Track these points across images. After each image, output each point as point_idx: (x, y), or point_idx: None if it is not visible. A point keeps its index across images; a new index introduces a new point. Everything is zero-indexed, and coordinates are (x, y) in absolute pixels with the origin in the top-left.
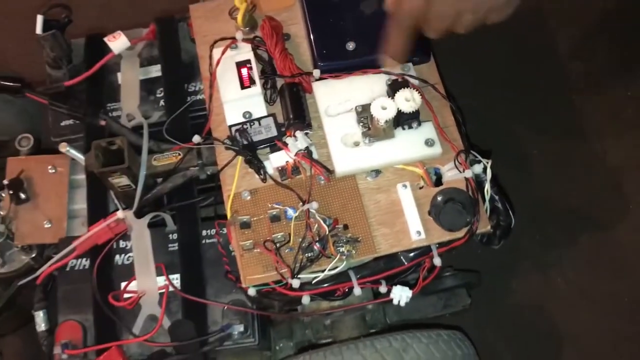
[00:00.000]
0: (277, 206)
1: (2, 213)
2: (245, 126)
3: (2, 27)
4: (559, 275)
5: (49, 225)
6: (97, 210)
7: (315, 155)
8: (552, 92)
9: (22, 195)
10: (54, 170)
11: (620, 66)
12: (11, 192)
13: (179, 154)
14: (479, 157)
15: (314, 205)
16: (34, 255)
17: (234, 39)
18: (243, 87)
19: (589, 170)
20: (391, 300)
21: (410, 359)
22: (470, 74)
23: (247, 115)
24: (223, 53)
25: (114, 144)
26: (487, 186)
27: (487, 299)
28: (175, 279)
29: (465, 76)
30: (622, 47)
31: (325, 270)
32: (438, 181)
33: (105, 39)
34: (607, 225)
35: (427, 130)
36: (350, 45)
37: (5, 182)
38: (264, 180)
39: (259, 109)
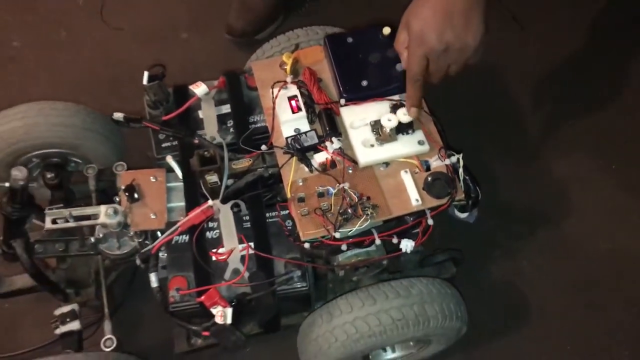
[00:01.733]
0: (321, 187)
1: (121, 209)
2: (296, 137)
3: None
4: (524, 259)
5: (154, 217)
6: (192, 201)
7: None
8: (510, 120)
9: (135, 196)
10: (154, 179)
11: (563, 101)
12: (127, 194)
13: (250, 160)
14: (454, 153)
15: (347, 184)
16: (140, 240)
17: (285, 82)
18: (293, 112)
19: (541, 180)
20: (399, 256)
21: (415, 291)
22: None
23: (296, 130)
24: (279, 91)
25: (208, 153)
26: (461, 170)
27: (467, 279)
28: (250, 245)
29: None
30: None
31: (357, 225)
32: (428, 169)
33: (190, 87)
34: (558, 220)
35: (419, 135)
36: (364, 83)
37: (122, 187)
38: (311, 171)
39: (304, 126)
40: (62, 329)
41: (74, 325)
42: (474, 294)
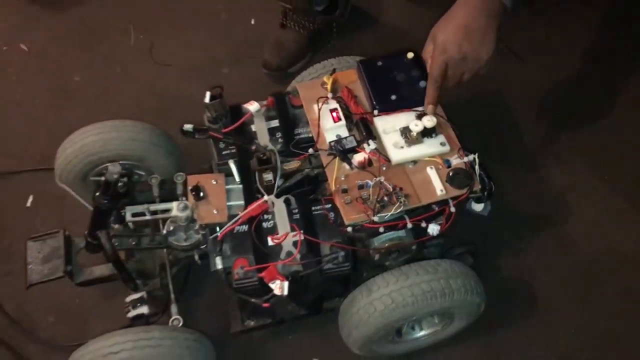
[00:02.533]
0: (361, 181)
1: (189, 204)
2: (338, 141)
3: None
4: (530, 256)
5: (216, 212)
6: (250, 197)
7: None
8: (513, 135)
9: (201, 194)
10: (215, 182)
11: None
12: (193, 193)
13: (298, 162)
14: (470, 152)
15: (382, 178)
16: (203, 233)
17: (327, 97)
18: (334, 122)
19: (543, 188)
20: (423, 247)
21: (441, 269)
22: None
23: (338, 136)
24: (322, 105)
25: (264, 155)
26: (477, 166)
27: (480, 273)
28: (301, 231)
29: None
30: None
31: (392, 210)
32: (449, 165)
33: (244, 105)
34: (559, 222)
35: (440, 137)
36: (393, 97)
37: (190, 187)
38: (351, 169)
39: (344, 133)
40: (133, 312)
41: (144, 309)
42: (486, 286)
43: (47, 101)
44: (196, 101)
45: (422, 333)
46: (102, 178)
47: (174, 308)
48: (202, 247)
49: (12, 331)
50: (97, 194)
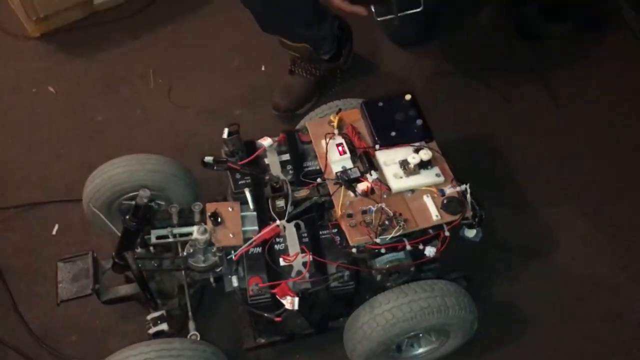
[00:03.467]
0: (364, 207)
1: (209, 228)
2: (344, 172)
3: None
4: (520, 283)
5: (232, 236)
6: (263, 219)
7: None
8: (503, 175)
9: (218, 220)
10: (231, 209)
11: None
12: (212, 218)
13: (307, 191)
14: (462, 183)
15: (383, 204)
16: (220, 255)
17: (333, 133)
18: (340, 155)
19: (531, 222)
20: (421, 270)
21: (438, 288)
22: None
23: (343, 168)
24: (329, 140)
25: (278, 184)
26: (468, 195)
27: (474, 299)
28: (310, 253)
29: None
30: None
31: (392, 233)
32: (443, 194)
33: (258, 140)
34: (547, 253)
35: (436, 169)
36: (393, 133)
37: (208, 214)
38: (356, 196)
39: (349, 164)
40: (154, 329)
41: (164, 326)
42: (479, 311)
43: (72, 139)
44: (211, 140)
45: (420, 350)
46: (133, 202)
47: (191, 324)
48: (218, 270)
49: (37, 349)
50: (127, 217)
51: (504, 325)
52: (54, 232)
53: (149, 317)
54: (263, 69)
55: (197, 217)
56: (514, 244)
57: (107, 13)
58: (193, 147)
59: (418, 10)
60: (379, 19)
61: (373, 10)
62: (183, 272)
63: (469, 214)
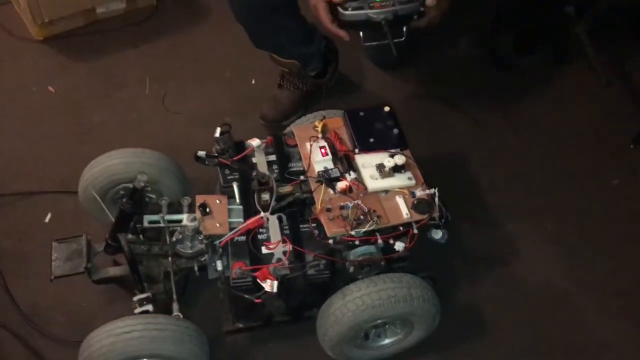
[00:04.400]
0: (342, 203)
1: (197, 217)
2: (325, 171)
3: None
4: (482, 288)
5: (219, 226)
6: (248, 213)
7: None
8: (471, 193)
9: (207, 210)
10: (219, 202)
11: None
12: (200, 208)
13: (291, 187)
14: (431, 188)
15: (359, 201)
16: (206, 242)
17: (317, 137)
18: (322, 156)
19: (495, 235)
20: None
21: (405, 280)
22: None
23: (325, 168)
24: (312, 143)
25: (264, 178)
26: (436, 198)
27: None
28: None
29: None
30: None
31: (366, 227)
32: (413, 196)
33: (248, 141)
34: (509, 262)
35: (408, 174)
36: (371, 140)
37: (197, 204)
38: (335, 193)
39: (330, 165)
40: (140, 309)
41: (149, 307)
42: (443, 311)
43: (68, 135)
44: (201, 144)
45: (386, 341)
46: (131, 185)
47: (175, 306)
48: (202, 259)
49: (26, 327)
50: (124, 199)
51: (464, 324)
52: (46, 220)
53: (135, 298)
54: (253, 82)
55: (185, 210)
56: (477, 252)
57: (108, 22)
58: (184, 149)
59: (401, 40)
60: (365, 44)
61: (362, 35)
62: (170, 258)
63: (436, 214)
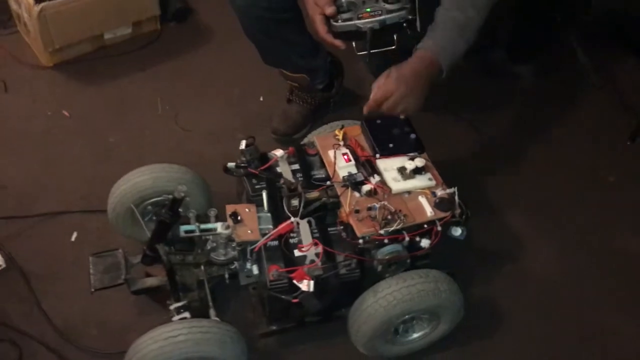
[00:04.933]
0: (369, 205)
1: (230, 225)
2: (350, 176)
3: None
4: (492, 283)
5: (250, 232)
6: (278, 219)
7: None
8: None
9: (238, 218)
10: (248, 210)
11: None
12: (232, 217)
13: (318, 193)
14: (451, 187)
15: (385, 203)
16: (239, 249)
17: (339, 145)
18: (345, 162)
19: (503, 231)
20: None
21: (432, 275)
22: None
23: (348, 172)
24: (335, 150)
25: (293, 185)
26: (456, 197)
27: None
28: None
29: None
30: None
31: (394, 226)
32: (435, 195)
33: (271, 152)
34: (517, 257)
35: (428, 175)
36: (391, 145)
37: (228, 213)
38: (361, 196)
39: (353, 170)
40: (177, 317)
41: (186, 314)
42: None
43: (86, 156)
44: (215, 159)
45: (414, 335)
46: (170, 196)
47: (212, 312)
48: (233, 266)
49: (60, 341)
50: (163, 210)
51: (481, 317)
52: (72, 239)
53: (172, 307)
54: (261, 99)
55: (212, 221)
56: (490, 248)
57: (115, 47)
58: (198, 164)
59: (392, 47)
60: (358, 54)
61: (354, 45)
62: (202, 267)
63: (457, 211)
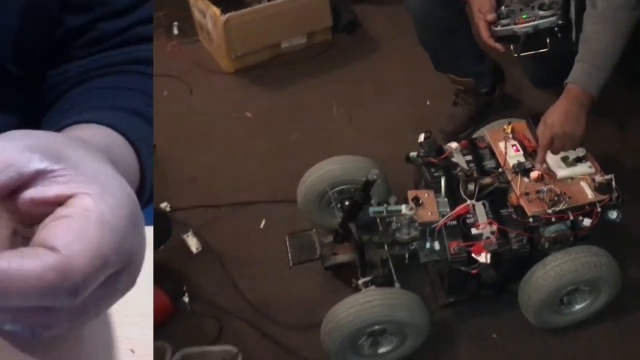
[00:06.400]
0: (537, 188)
1: (414, 207)
2: (519, 164)
3: None
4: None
5: (430, 214)
6: (454, 203)
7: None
8: None
9: (420, 201)
10: (427, 195)
11: None
12: (414, 201)
13: (491, 179)
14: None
15: (552, 186)
16: (420, 229)
17: (508, 137)
18: (514, 152)
19: None
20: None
21: (593, 250)
22: None
23: (517, 161)
24: (505, 143)
25: (469, 171)
26: (613, 182)
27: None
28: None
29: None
30: None
31: (560, 206)
32: (594, 181)
33: (447, 144)
34: None
35: (588, 163)
36: None
37: (410, 198)
38: (529, 181)
39: (522, 159)
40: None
41: (373, 287)
42: None
43: (270, 153)
44: (387, 157)
45: (577, 307)
46: (364, 179)
47: (397, 284)
48: (412, 246)
49: (257, 317)
50: (357, 191)
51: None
52: (261, 226)
53: (360, 281)
54: (428, 103)
55: (392, 201)
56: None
57: (290, 55)
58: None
59: (545, 50)
60: (515, 56)
61: (512, 48)
62: (385, 246)
63: (615, 195)
